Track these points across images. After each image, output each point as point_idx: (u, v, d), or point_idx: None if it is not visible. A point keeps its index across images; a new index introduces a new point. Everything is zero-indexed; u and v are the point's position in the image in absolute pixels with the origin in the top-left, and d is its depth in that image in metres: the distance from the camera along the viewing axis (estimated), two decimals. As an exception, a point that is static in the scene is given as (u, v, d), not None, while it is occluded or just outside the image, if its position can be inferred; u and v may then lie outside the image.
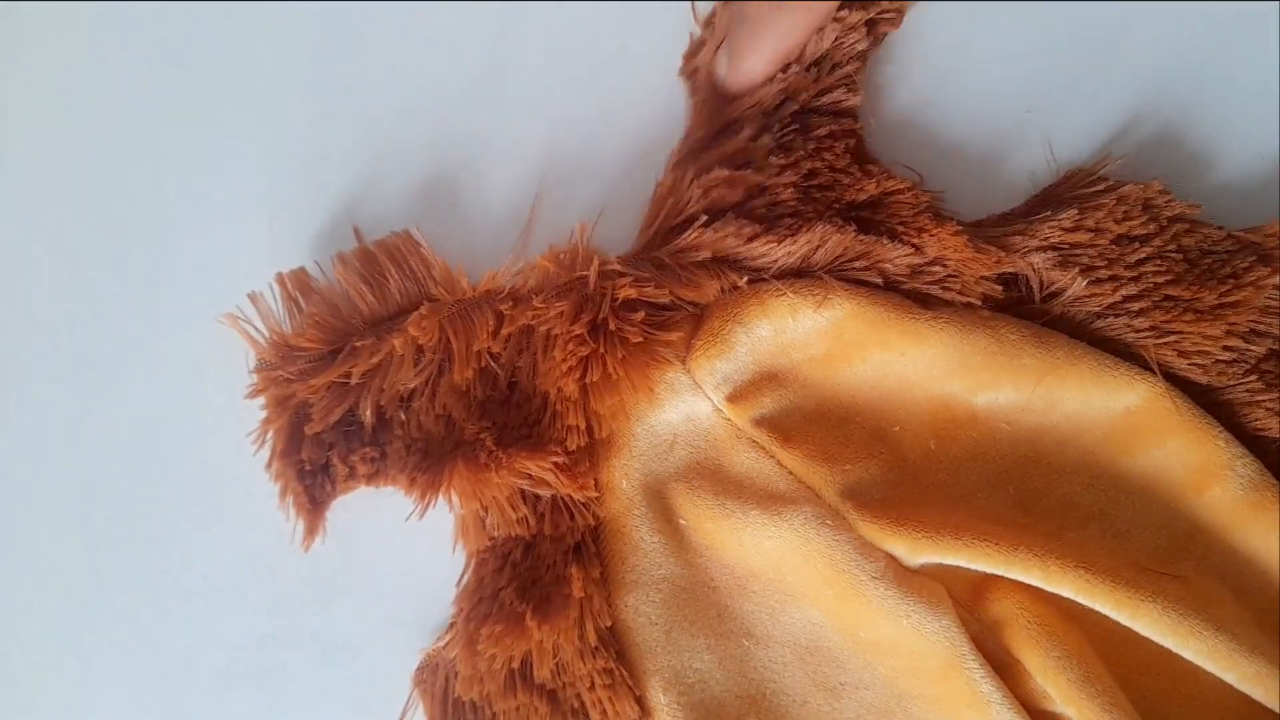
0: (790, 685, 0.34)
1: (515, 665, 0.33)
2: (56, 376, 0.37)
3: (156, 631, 0.36)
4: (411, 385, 0.34)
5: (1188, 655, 0.31)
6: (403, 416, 0.34)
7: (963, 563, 0.33)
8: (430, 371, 0.34)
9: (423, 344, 0.34)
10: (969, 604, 0.34)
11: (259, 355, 0.34)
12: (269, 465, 0.33)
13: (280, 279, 0.34)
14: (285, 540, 0.34)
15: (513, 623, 0.32)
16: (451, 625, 0.34)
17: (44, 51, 0.38)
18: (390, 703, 0.35)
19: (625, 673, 0.33)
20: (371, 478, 0.34)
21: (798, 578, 0.34)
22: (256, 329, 0.34)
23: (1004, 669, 0.33)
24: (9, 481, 0.37)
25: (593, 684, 0.33)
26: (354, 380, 0.33)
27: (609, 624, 0.34)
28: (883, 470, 0.34)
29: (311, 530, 0.34)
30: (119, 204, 0.37)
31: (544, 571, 0.33)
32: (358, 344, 0.33)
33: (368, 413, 0.33)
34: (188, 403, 0.37)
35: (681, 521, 0.35)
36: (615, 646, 0.33)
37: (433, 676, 0.34)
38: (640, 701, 0.33)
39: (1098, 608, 0.32)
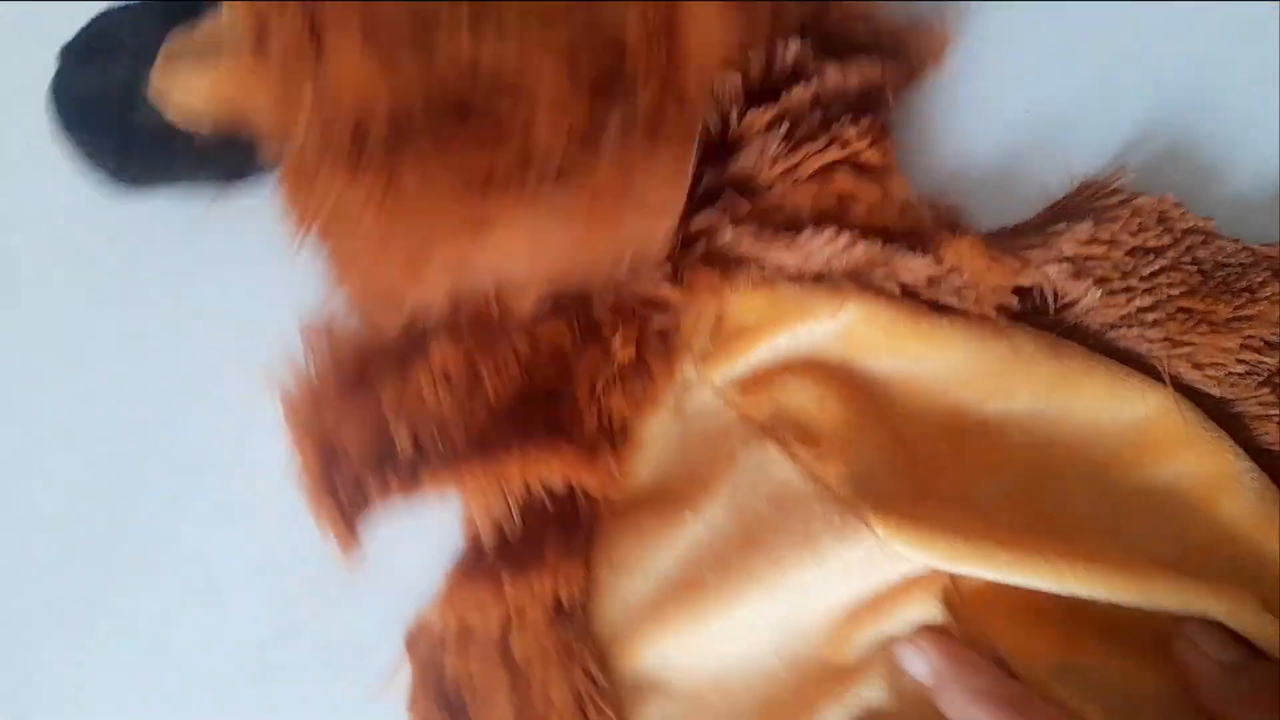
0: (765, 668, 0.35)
1: (489, 628, 0.35)
2: (57, 371, 0.38)
3: (158, 632, 0.37)
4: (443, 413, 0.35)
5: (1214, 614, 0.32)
6: (434, 432, 0.35)
7: (975, 571, 0.33)
8: (460, 396, 0.35)
9: (450, 375, 0.35)
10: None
11: (285, 402, 0.34)
12: (306, 499, 0.34)
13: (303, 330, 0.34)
14: (289, 540, 0.35)
15: (488, 582, 0.34)
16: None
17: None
18: (395, 702, 0.36)
19: (589, 653, 0.35)
20: (406, 494, 0.34)
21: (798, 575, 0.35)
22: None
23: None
24: (9, 478, 0.38)
25: (554, 658, 0.34)
26: (384, 410, 0.34)
27: (582, 600, 0.35)
28: (897, 473, 0.35)
29: (348, 548, 0.34)
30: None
31: (531, 544, 0.35)
32: (384, 376, 0.34)
33: (404, 442, 0.34)
34: (190, 400, 0.37)
35: (688, 513, 0.36)
36: (585, 625, 0.35)
37: (419, 640, 0.36)
38: (595, 679, 0.35)
39: (1104, 595, 0.32)
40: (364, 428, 0.34)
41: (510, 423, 0.34)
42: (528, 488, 0.35)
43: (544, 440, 0.34)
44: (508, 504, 0.35)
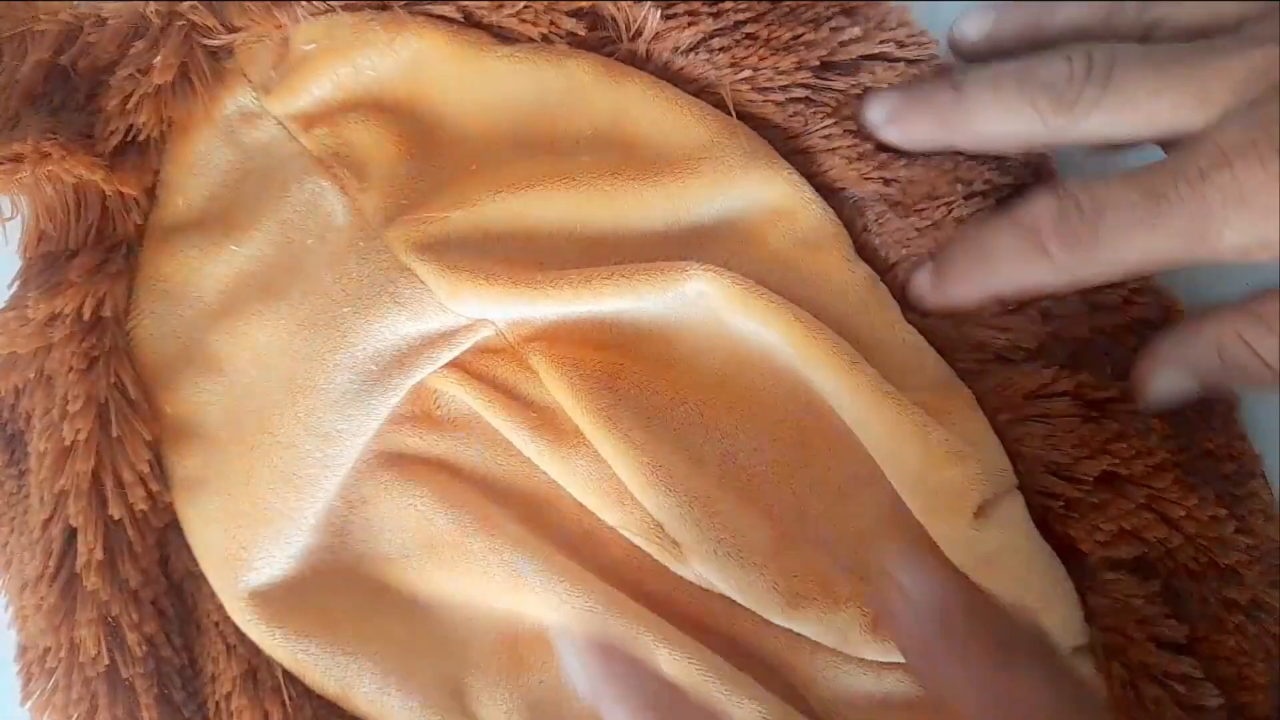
0: (280, 428, 0.33)
1: (25, 351, 0.32)
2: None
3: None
4: None
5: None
6: None
7: (515, 314, 0.32)
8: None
9: None
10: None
11: None
12: None
13: None
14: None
15: (19, 306, 0.32)
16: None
17: None
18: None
19: (123, 369, 0.33)
20: None
21: (334, 309, 0.33)
22: None
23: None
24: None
25: (77, 368, 0.32)
26: None
27: (123, 320, 0.33)
28: (444, 208, 0.33)
29: None
30: None
31: (60, 263, 0.33)
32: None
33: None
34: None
35: (234, 248, 0.34)
36: (120, 342, 0.33)
37: None
38: (126, 392, 0.33)
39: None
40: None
41: (34, 114, 0.33)
42: (59, 197, 0.33)
43: (67, 142, 0.32)
44: (57, 214, 0.33)
